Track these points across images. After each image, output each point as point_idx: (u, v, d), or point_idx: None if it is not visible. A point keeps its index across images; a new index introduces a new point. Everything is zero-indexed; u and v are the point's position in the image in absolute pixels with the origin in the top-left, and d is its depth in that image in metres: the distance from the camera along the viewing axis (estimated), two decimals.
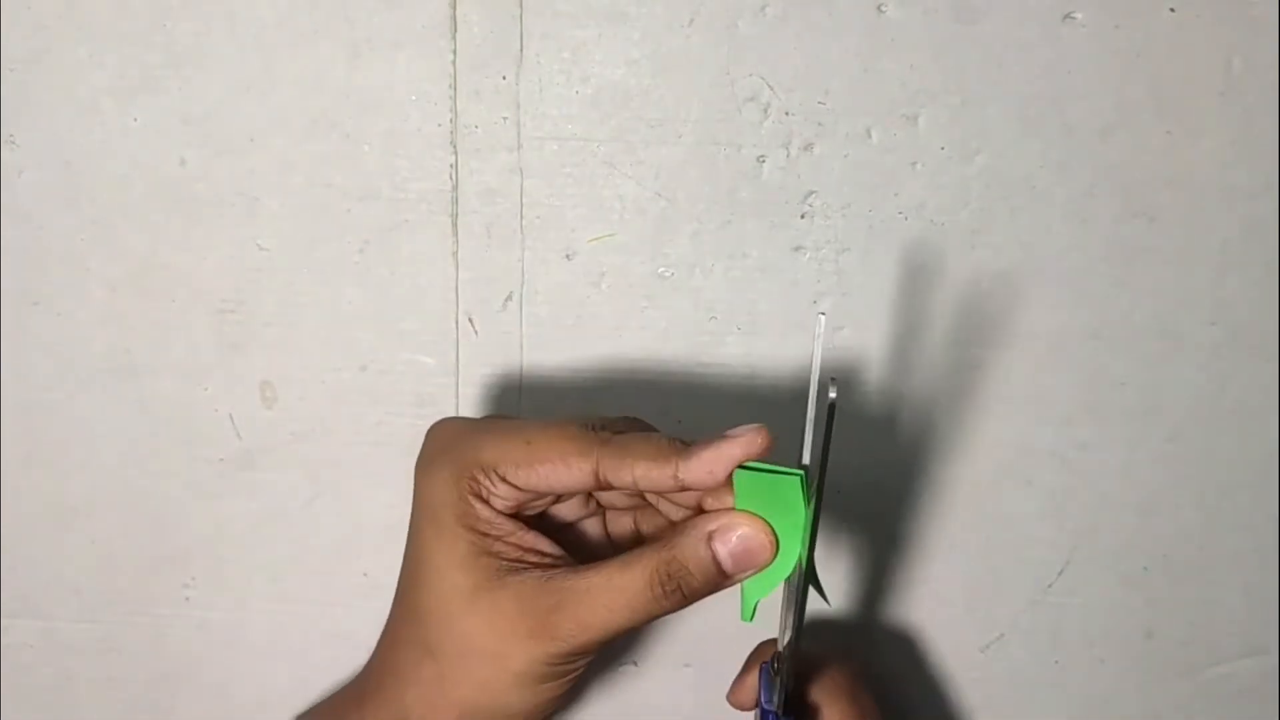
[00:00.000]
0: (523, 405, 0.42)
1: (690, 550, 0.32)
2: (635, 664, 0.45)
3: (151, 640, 0.45)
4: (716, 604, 0.44)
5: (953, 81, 0.39)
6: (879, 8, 0.39)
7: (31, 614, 0.45)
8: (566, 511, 0.37)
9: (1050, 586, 0.44)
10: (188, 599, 0.44)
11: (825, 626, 0.44)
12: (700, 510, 0.33)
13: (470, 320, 0.42)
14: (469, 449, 0.33)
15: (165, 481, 0.43)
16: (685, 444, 0.32)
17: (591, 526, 0.37)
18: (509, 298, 0.41)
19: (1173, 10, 0.39)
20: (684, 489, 0.32)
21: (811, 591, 0.33)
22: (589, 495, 0.37)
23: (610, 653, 0.45)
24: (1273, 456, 0.43)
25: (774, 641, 0.35)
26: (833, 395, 0.28)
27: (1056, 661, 0.45)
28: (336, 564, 0.43)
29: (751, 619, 0.34)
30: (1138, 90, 0.39)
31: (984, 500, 0.43)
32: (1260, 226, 0.41)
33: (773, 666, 0.36)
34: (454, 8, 0.39)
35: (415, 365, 0.42)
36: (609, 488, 0.33)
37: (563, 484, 0.33)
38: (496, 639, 0.32)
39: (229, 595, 0.44)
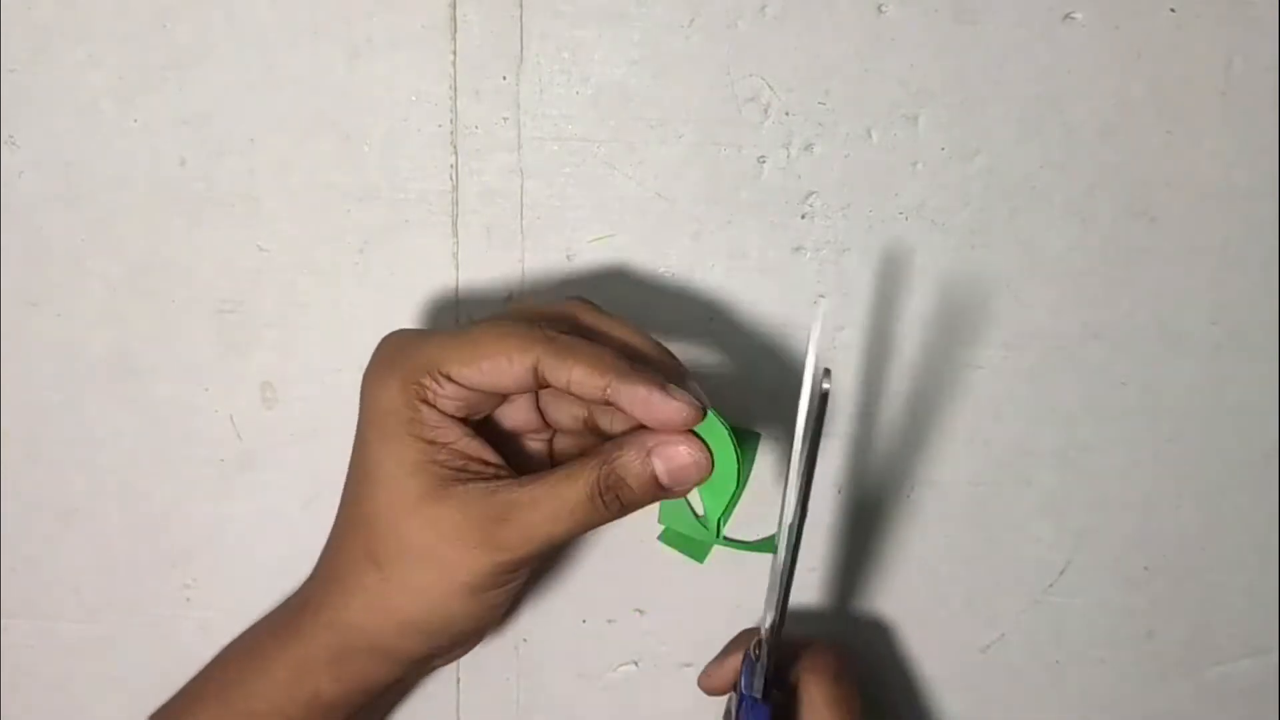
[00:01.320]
0: None
1: (629, 462, 0.33)
2: (635, 664, 0.45)
3: (151, 640, 0.45)
4: (717, 605, 0.44)
5: (953, 81, 0.39)
6: (879, 8, 0.39)
7: (31, 614, 0.45)
8: (515, 417, 0.37)
9: (1051, 586, 0.44)
10: (188, 599, 0.44)
11: (824, 627, 0.44)
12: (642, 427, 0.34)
13: (471, 321, 0.42)
14: (415, 353, 0.34)
15: (165, 481, 0.43)
16: (630, 364, 0.33)
17: (537, 445, 0.38)
18: (509, 298, 0.41)
19: (1173, 10, 0.39)
20: (608, 405, 0.33)
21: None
22: (538, 409, 0.37)
23: (611, 653, 0.45)
24: (1273, 456, 0.43)
25: (755, 631, 0.35)
26: (826, 387, 0.29)
27: (1057, 662, 0.45)
28: None
29: (667, 541, 0.35)
30: (1138, 90, 0.39)
31: (984, 500, 0.43)
32: (1260, 226, 0.41)
33: (753, 651, 0.36)
34: (454, 8, 0.39)
35: None
36: (545, 385, 0.33)
37: (504, 380, 0.33)
38: (443, 547, 0.33)
39: (229, 595, 0.44)
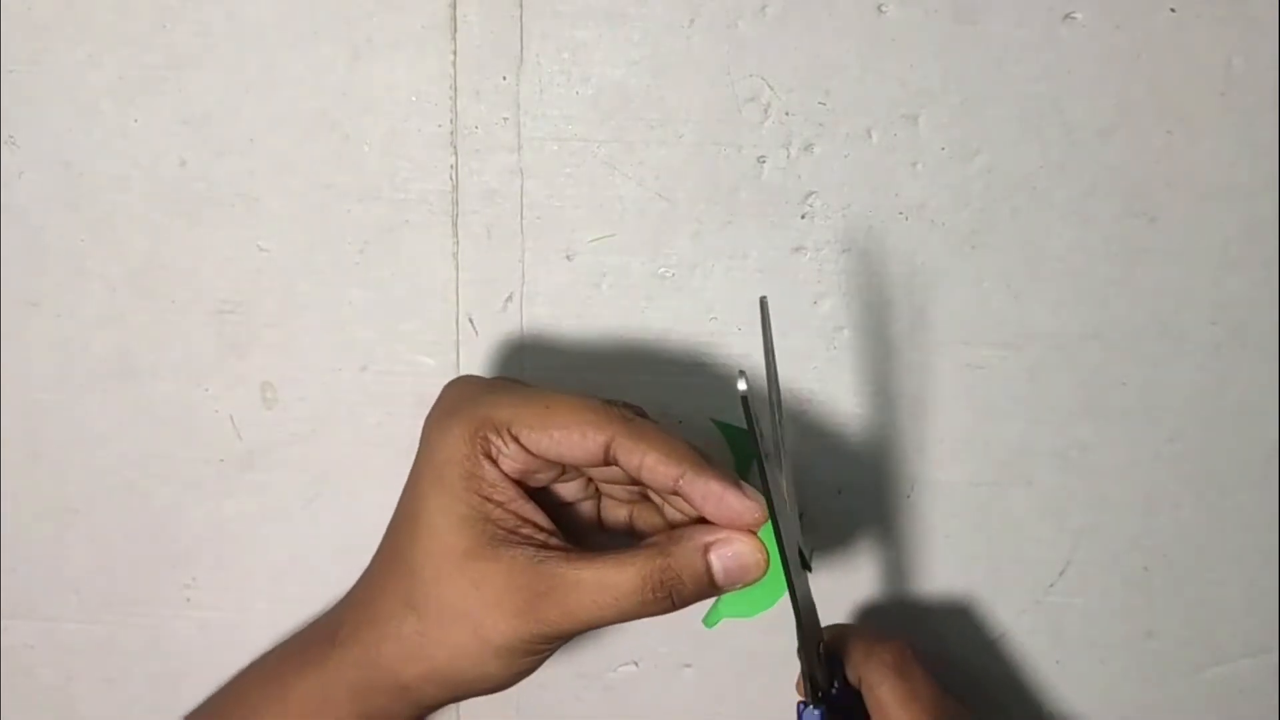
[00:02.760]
0: None
1: (687, 559, 0.33)
2: (636, 664, 0.45)
3: (151, 640, 0.45)
4: None
5: (953, 81, 0.39)
6: (879, 8, 0.39)
7: (31, 614, 0.45)
8: (566, 491, 0.36)
9: (1051, 586, 0.44)
10: (188, 599, 0.44)
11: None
12: (700, 519, 0.34)
13: (470, 321, 0.42)
14: (485, 406, 0.33)
15: (165, 482, 0.43)
16: (703, 457, 0.32)
17: (586, 509, 0.37)
18: (509, 298, 0.41)
19: (1173, 10, 0.39)
20: (676, 496, 0.32)
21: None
22: (588, 479, 0.37)
23: (611, 653, 0.45)
24: (1273, 456, 0.43)
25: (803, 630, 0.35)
26: (742, 388, 0.29)
27: (1057, 661, 0.45)
28: (336, 564, 0.43)
29: (713, 626, 0.35)
30: (1138, 90, 0.39)
31: (984, 500, 0.43)
32: (1260, 226, 0.41)
33: (798, 655, 0.36)
34: (454, 8, 0.39)
35: (415, 366, 0.42)
36: (613, 465, 0.33)
37: (574, 453, 0.33)
38: (482, 609, 0.33)
39: (229, 595, 0.44)
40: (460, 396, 0.35)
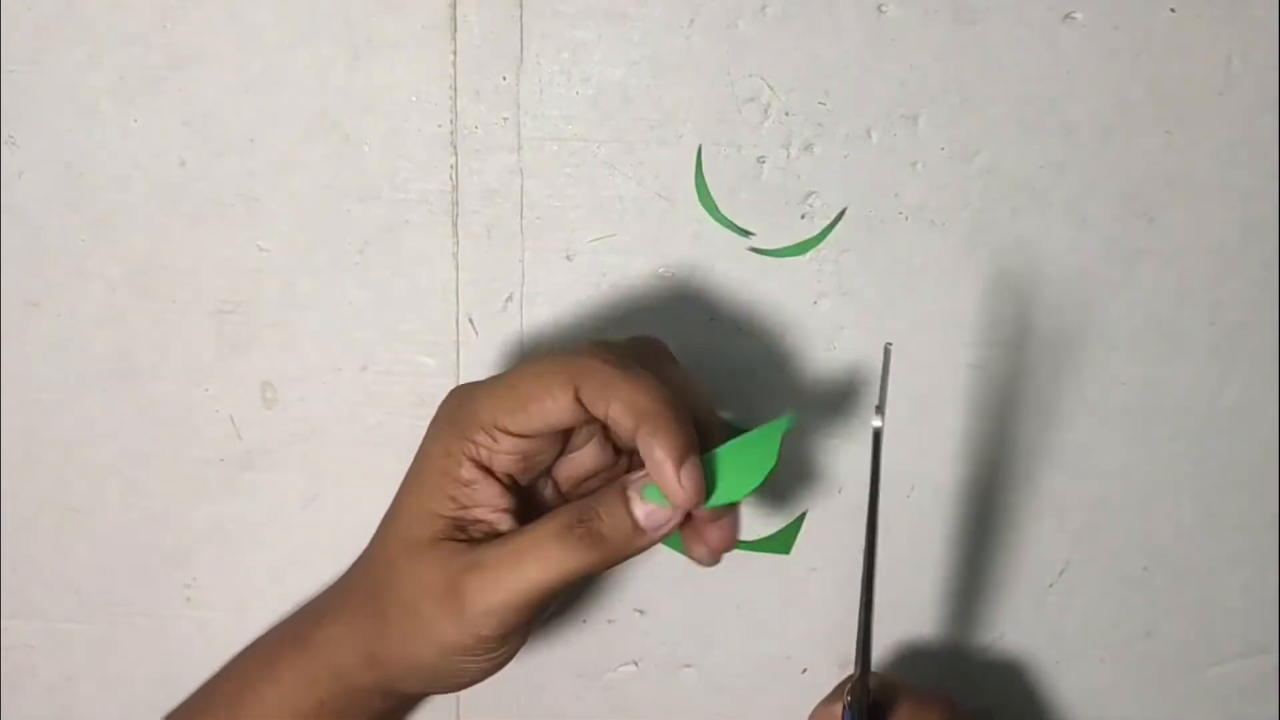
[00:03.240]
0: None
1: (606, 497, 0.32)
2: (636, 664, 0.45)
3: (151, 640, 0.45)
4: (717, 605, 0.44)
5: (953, 81, 0.39)
6: (879, 8, 0.39)
7: (31, 614, 0.45)
8: (588, 459, 0.35)
9: (1050, 586, 0.44)
10: (188, 599, 0.44)
11: (823, 628, 0.44)
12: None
13: (470, 321, 0.42)
14: (468, 411, 0.33)
15: (165, 481, 0.43)
16: (672, 410, 0.31)
17: (604, 457, 0.36)
18: (509, 298, 0.41)
19: (1173, 10, 0.39)
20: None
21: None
22: (609, 444, 0.35)
23: (611, 653, 0.45)
24: (1273, 456, 0.43)
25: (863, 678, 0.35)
26: (877, 424, 0.28)
27: (1057, 662, 0.45)
28: (336, 564, 0.43)
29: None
30: (1138, 90, 0.39)
31: (984, 500, 0.43)
32: (1260, 226, 0.41)
33: (845, 702, 0.35)
34: (454, 8, 0.39)
35: (415, 366, 0.42)
36: (593, 416, 0.32)
37: (557, 417, 0.32)
38: (419, 599, 0.32)
39: (229, 595, 0.44)
40: (453, 405, 0.35)
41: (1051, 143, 0.40)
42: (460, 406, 0.34)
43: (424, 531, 0.33)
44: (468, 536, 0.33)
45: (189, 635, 0.44)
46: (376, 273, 0.41)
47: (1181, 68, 0.39)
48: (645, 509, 0.32)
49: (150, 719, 0.42)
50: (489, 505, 0.33)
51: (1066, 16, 0.39)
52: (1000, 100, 0.39)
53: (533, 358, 0.35)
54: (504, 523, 0.33)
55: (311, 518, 0.43)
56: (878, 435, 0.28)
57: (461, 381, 0.42)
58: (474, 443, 0.33)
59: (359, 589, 0.36)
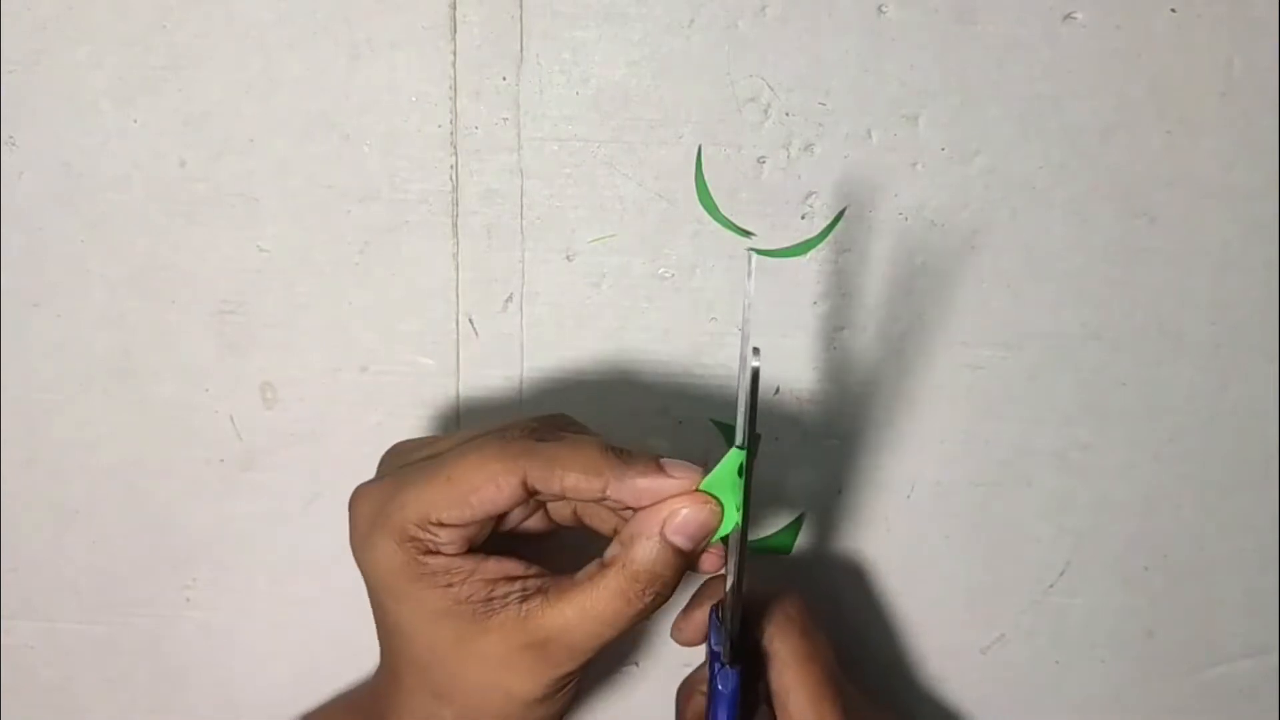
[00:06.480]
0: (523, 406, 0.42)
1: (649, 554, 0.32)
2: (636, 664, 0.45)
3: (151, 641, 0.45)
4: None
5: (953, 81, 0.39)
6: (879, 8, 0.39)
7: (31, 614, 0.45)
8: (512, 521, 0.36)
9: (1051, 587, 0.44)
10: (188, 600, 0.44)
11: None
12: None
13: (470, 321, 0.42)
14: (395, 511, 0.33)
15: (165, 482, 0.43)
16: (620, 456, 0.32)
17: (536, 523, 0.37)
18: (509, 299, 0.41)
19: (1173, 10, 0.39)
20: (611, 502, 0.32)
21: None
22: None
23: (611, 654, 0.45)
24: (1273, 456, 0.43)
25: (722, 579, 0.35)
26: (755, 364, 0.29)
27: (1057, 662, 0.45)
28: (336, 564, 0.43)
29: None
30: (1138, 90, 0.39)
31: (984, 500, 0.43)
32: (1260, 226, 0.41)
33: (718, 613, 0.36)
34: (454, 8, 0.39)
35: (415, 366, 0.42)
36: (538, 495, 0.33)
37: (498, 505, 0.32)
38: (496, 677, 0.33)
39: (229, 596, 0.44)
40: (369, 512, 0.34)
41: (1051, 143, 0.40)
42: (380, 511, 0.34)
43: (451, 629, 0.33)
44: (498, 602, 0.33)
45: (189, 635, 0.44)
46: (376, 273, 0.41)
47: (1182, 68, 0.39)
48: (685, 536, 0.32)
49: (150, 719, 0.42)
50: (477, 571, 0.33)
51: (1066, 16, 0.39)
52: (1000, 100, 0.39)
53: (460, 436, 0.35)
54: (506, 569, 0.34)
55: (311, 518, 0.43)
56: (755, 374, 0.30)
57: (460, 382, 0.42)
58: (417, 541, 0.33)
59: (409, 694, 0.35)
